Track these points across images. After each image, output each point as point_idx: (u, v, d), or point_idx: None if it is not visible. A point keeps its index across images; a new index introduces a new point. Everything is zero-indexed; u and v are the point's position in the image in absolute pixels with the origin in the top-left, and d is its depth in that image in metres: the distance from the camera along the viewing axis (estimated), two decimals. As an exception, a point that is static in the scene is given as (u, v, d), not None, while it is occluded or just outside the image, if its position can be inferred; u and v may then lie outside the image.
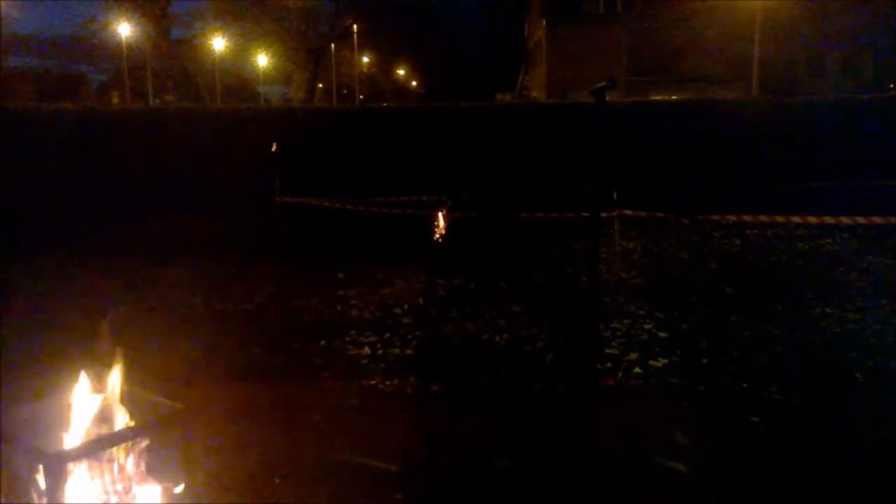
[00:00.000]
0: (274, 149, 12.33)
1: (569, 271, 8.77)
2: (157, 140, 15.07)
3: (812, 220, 9.49)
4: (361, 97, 56.49)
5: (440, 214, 9.75)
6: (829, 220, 9.44)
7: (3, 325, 6.45)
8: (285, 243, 11.34)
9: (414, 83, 72.19)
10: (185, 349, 5.94)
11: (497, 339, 6.23)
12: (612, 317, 6.67)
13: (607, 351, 5.75)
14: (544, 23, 44.08)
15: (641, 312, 6.85)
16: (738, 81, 35.05)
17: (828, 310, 6.79)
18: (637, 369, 5.40)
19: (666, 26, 37.79)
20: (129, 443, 2.82)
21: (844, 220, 9.35)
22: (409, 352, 5.94)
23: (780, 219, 9.52)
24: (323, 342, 6.19)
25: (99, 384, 2.88)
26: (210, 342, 6.14)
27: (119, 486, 2.83)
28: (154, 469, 2.92)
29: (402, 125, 15.86)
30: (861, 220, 9.09)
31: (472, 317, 6.88)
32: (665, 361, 5.55)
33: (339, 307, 7.35)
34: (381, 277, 8.48)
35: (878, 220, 9.16)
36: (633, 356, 5.65)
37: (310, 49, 49.74)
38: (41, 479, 2.58)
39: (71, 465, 2.66)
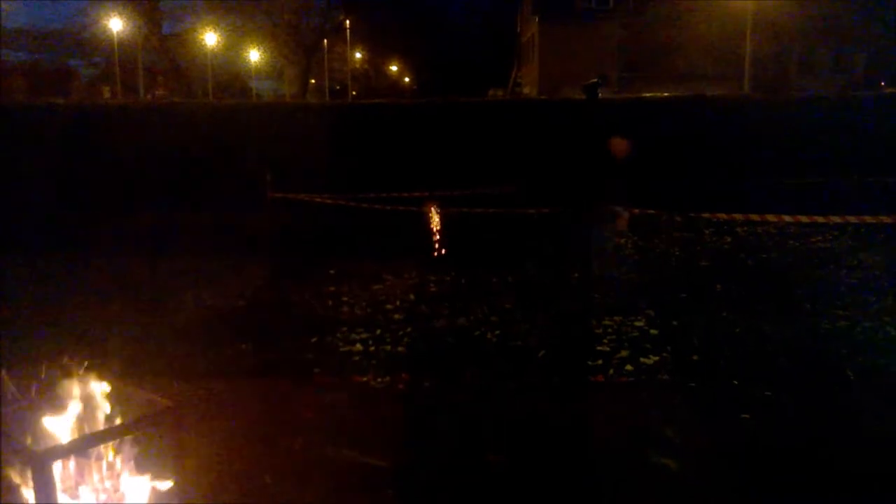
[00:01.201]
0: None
1: (560, 267, 8.76)
2: (149, 135, 14.98)
3: (804, 219, 9.49)
4: (354, 93, 56.30)
5: (434, 209, 9.73)
6: (819, 219, 9.44)
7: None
8: (277, 239, 11.31)
9: (406, 79, 72.03)
10: (175, 345, 5.90)
11: (489, 335, 6.23)
12: (604, 313, 6.67)
13: (598, 348, 5.75)
14: (537, 19, 44.00)
15: (632, 309, 6.85)
16: (729, 78, 35.05)
17: (819, 307, 6.81)
18: (628, 366, 5.41)
19: (658, 23, 37.74)
20: (118, 440, 2.80)
21: (835, 219, 9.34)
22: (400, 348, 5.93)
23: (771, 218, 9.51)
24: (314, 338, 6.17)
25: (88, 381, 2.86)
26: (200, 338, 6.11)
27: (108, 484, 2.81)
28: (143, 466, 2.90)
29: (395, 121, 15.83)
30: (852, 219, 9.08)
31: (464, 313, 6.87)
32: (656, 358, 5.55)
33: (330, 303, 7.34)
34: (372, 273, 8.46)
35: (869, 219, 9.16)
36: (625, 353, 5.65)
37: (302, 44, 49.49)
38: (30, 477, 2.56)
39: (59, 463, 2.64)
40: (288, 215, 12.41)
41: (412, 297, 7.55)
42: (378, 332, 6.31)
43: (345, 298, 7.48)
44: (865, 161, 14.18)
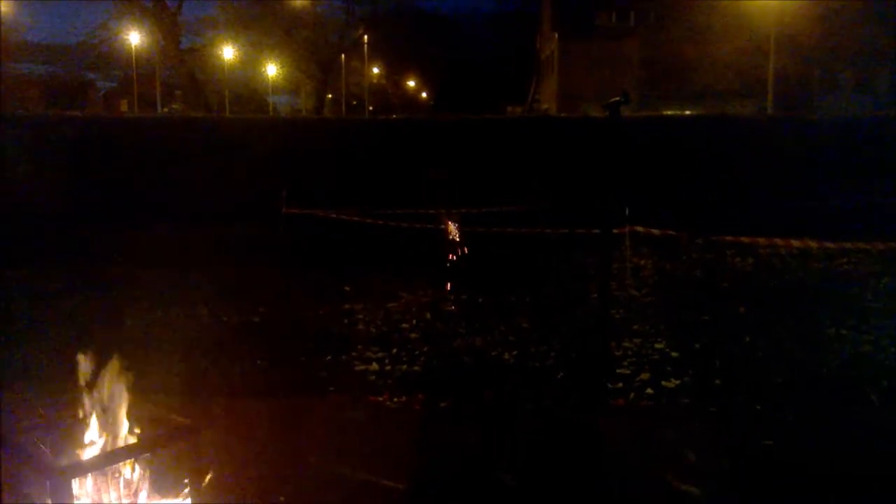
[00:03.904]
0: None
1: (579, 288, 8.70)
2: (165, 149, 15.08)
3: (830, 245, 9.31)
4: (371, 108, 56.62)
5: (452, 226, 9.66)
6: (847, 245, 9.27)
7: (9, 335, 6.41)
8: (291, 254, 11.31)
9: (424, 95, 72.36)
10: (190, 362, 5.88)
11: (506, 355, 6.16)
12: (624, 335, 6.60)
13: (618, 370, 5.67)
14: (556, 35, 44.15)
15: (653, 331, 6.77)
16: (751, 97, 34.89)
17: (843, 331, 6.70)
18: (649, 389, 5.33)
19: (679, 40, 37.71)
20: (135, 458, 2.79)
21: (861, 245, 9.18)
22: (416, 367, 5.88)
23: (795, 242, 9.35)
24: (329, 356, 6.13)
25: (106, 398, 2.84)
26: (215, 355, 6.09)
27: (125, 502, 2.80)
28: (160, 484, 2.88)
29: (412, 137, 15.84)
30: (879, 245, 8.92)
31: (481, 332, 6.82)
32: (677, 382, 5.47)
33: (345, 321, 7.30)
34: (388, 291, 8.43)
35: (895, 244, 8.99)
36: (645, 376, 5.57)
37: (320, 59, 49.88)
38: (48, 494, 2.54)
39: (77, 480, 2.63)
40: (303, 231, 12.42)
41: (428, 315, 7.51)
42: (394, 350, 6.27)
43: (360, 316, 7.45)
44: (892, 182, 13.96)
